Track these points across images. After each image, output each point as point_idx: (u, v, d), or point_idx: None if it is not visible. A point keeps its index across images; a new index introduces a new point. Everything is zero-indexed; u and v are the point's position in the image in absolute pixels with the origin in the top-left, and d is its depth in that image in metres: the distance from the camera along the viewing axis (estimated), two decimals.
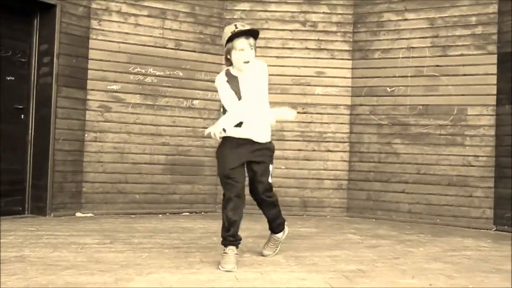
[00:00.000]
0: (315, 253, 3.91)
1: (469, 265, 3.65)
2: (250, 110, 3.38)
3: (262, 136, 3.47)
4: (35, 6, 5.57)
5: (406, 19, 6.29)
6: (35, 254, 3.56)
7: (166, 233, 4.67)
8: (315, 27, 6.60)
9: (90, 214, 5.78)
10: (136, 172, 6.09)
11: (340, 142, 6.52)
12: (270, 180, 3.54)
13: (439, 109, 6.05)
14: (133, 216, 5.86)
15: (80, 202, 5.79)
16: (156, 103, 6.20)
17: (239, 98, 3.38)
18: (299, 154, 6.51)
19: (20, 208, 5.53)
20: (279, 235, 3.74)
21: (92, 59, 5.86)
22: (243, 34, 3.33)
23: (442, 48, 6.09)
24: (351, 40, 6.57)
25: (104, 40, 5.92)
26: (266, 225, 3.77)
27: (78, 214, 5.72)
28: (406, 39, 6.26)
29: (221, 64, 6.48)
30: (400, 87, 6.26)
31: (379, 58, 6.39)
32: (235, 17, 6.59)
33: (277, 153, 6.75)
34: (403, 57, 6.26)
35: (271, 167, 3.53)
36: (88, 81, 5.84)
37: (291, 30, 6.59)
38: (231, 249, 3.35)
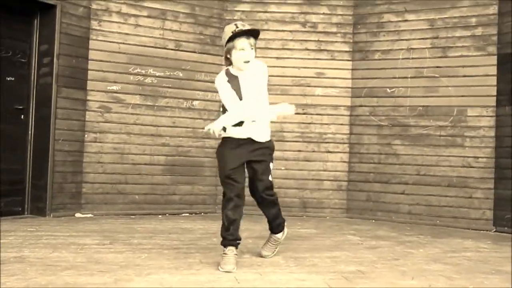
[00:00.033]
0: (314, 254, 3.91)
1: (469, 266, 3.65)
2: (250, 109, 3.38)
3: (262, 135, 3.47)
4: (35, 7, 5.57)
5: (406, 20, 6.29)
6: (34, 254, 3.56)
7: (165, 234, 4.66)
8: (315, 28, 6.60)
9: (90, 215, 5.78)
10: (136, 172, 6.09)
11: (340, 143, 6.52)
12: (270, 178, 3.54)
13: (439, 110, 6.05)
14: (132, 216, 5.86)
15: (79, 202, 5.79)
16: (156, 104, 6.20)
17: (240, 97, 3.38)
18: (299, 155, 6.51)
19: (20, 209, 5.53)
20: (279, 235, 3.74)
21: (92, 60, 5.86)
22: (244, 34, 3.32)
23: (442, 49, 6.09)
24: (351, 41, 6.57)
25: (104, 41, 5.92)
26: (266, 226, 3.76)
27: (78, 215, 5.72)
28: (406, 40, 6.27)
29: (221, 64, 6.48)
30: (400, 88, 6.26)
31: (379, 59, 6.39)
32: (235, 18, 6.58)
33: (277, 154, 6.74)
34: (403, 58, 6.27)
35: (271, 165, 3.54)
36: (88, 81, 5.84)
37: (291, 31, 6.59)
38: (230, 250, 3.35)
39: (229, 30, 3.34)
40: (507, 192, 5.53)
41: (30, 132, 5.62)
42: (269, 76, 3.53)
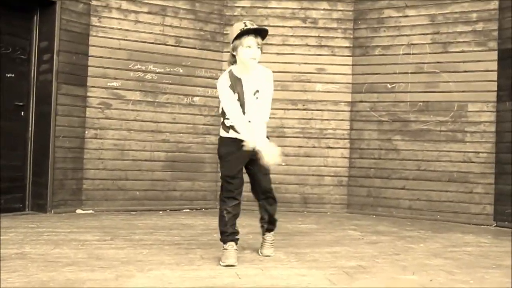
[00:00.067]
0: (315, 250, 3.91)
1: (470, 261, 3.65)
2: (252, 114, 3.39)
3: (260, 136, 3.49)
4: (35, 3, 5.56)
5: (406, 16, 6.28)
6: (35, 251, 3.56)
7: (166, 230, 4.67)
8: (316, 23, 6.59)
9: (91, 211, 5.78)
10: (137, 169, 6.10)
11: (341, 138, 6.52)
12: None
13: (440, 105, 6.04)
14: (133, 213, 5.86)
15: (80, 199, 5.80)
16: (156, 100, 6.20)
17: (242, 100, 3.37)
18: (300, 150, 6.51)
19: (21, 205, 5.54)
20: (273, 232, 3.73)
21: (92, 56, 5.86)
22: (252, 32, 3.33)
23: (442, 44, 6.08)
24: (351, 36, 6.56)
25: (104, 37, 5.92)
26: None
27: (79, 211, 5.73)
28: (407, 35, 6.25)
29: (221, 61, 6.49)
30: (401, 84, 6.25)
31: (380, 55, 6.38)
32: (235, 14, 6.58)
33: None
34: (403, 54, 6.26)
35: None
36: (88, 78, 5.84)
37: (291, 27, 6.58)
38: (230, 245, 3.36)
39: (237, 27, 3.34)
40: (508, 187, 5.53)
41: (30, 129, 5.61)
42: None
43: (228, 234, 3.38)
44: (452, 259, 3.70)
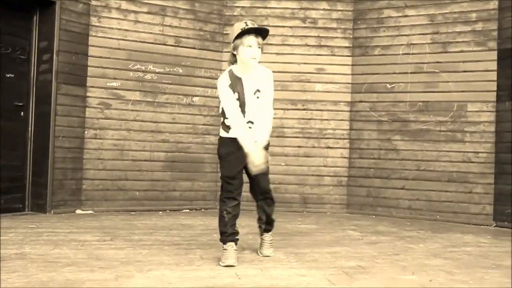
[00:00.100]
0: (315, 250, 3.91)
1: (469, 261, 3.66)
2: (253, 113, 3.39)
3: (262, 136, 3.49)
4: (35, 3, 5.56)
5: (406, 16, 6.28)
6: (35, 251, 3.56)
7: (166, 230, 4.67)
8: (315, 23, 6.59)
9: (90, 211, 5.78)
10: (136, 169, 6.10)
11: (340, 138, 6.53)
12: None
13: (439, 105, 6.04)
14: (133, 213, 5.86)
15: (80, 199, 5.80)
16: (156, 100, 6.20)
17: (242, 99, 3.38)
18: (299, 150, 6.51)
19: (20, 205, 5.54)
20: (270, 232, 3.73)
21: (92, 56, 5.86)
22: (253, 32, 3.33)
23: (442, 44, 6.08)
24: (351, 36, 6.56)
25: (103, 37, 5.91)
26: None
27: (78, 211, 5.73)
28: (406, 35, 6.26)
29: (221, 61, 6.49)
30: (400, 84, 6.25)
31: (379, 55, 6.38)
32: (235, 14, 6.58)
33: (277, 149, 6.76)
34: (403, 54, 6.26)
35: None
36: (88, 78, 5.84)
37: (291, 27, 6.58)
38: (230, 245, 3.36)
39: (238, 27, 3.34)
40: (507, 187, 5.53)
41: (30, 129, 5.61)
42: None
43: (228, 234, 3.38)
44: (451, 259, 3.70)
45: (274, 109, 3.66)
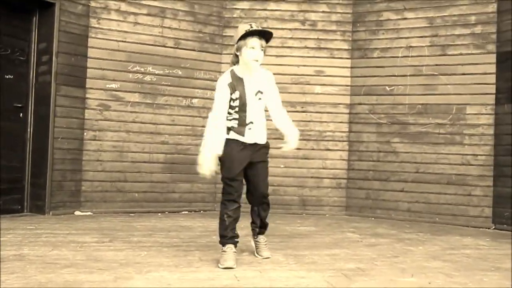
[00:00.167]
0: (314, 252, 3.91)
1: (468, 263, 3.66)
2: (254, 114, 3.40)
3: (263, 138, 3.52)
4: (34, 4, 5.56)
5: (405, 18, 6.29)
6: (34, 252, 3.56)
7: (165, 232, 4.66)
8: (315, 26, 6.60)
9: (89, 213, 5.78)
10: (135, 170, 6.09)
11: (339, 141, 6.53)
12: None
13: (438, 108, 6.05)
14: (132, 214, 5.86)
15: (79, 200, 5.79)
16: (155, 102, 6.20)
17: (244, 99, 3.38)
18: (298, 153, 6.51)
19: (19, 207, 5.53)
20: (265, 234, 3.74)
21: (91, 58, 5.86)
22: (257, 34, 3.35)
23: (441, 47, 6.09)
24: (350, 39, 6.57)
25: (103, 39, 5.92)
26: None
27: (77, 213, 5.72)
28: (405, 38, 6.27)
29: (220, 62, 6.50)
30: (399, 86, 6.26)
31: (378, 57, 6.39)
32: (234, 16, 6.59)
33: (276, 152, 6.75)
34: (402, 56, 6.27)
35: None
36: (87, 79, 5.84)
37: (290, 29, 6.59)
38: (229, 247, 3.36)
39: (242, 28, 3.36)
40: (506, 190, 5.53)
41: (29, 130, 5.61)
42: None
43: (228, 237, 3.38)
44: (450, 261, 3.70)
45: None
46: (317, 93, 6.54)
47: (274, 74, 3.62)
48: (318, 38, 6.58)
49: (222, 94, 3.39)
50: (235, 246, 3.40)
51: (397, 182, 6.23)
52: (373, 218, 6.24)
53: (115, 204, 5.97)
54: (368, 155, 6.41)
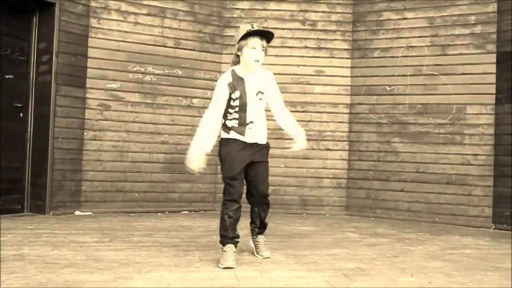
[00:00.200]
0: (314, 252, 3.91)
1: (468, 263, 3.66)
2: (254, 114, 3.40)
3: (263, 138, 3.52)
4: (34, 4, 5.56)
5: (405, 18, 6.29)
6: (34, 252, 3.56)
7: (165, 232, 4.67)
8: (315, 26, 6.60)
9: (89, 213, 5.78)
10: (136, 170, 6.09)
11: (339, 140, 6.53)
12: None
13: (438, 108, 6.05)
14: (132, 214, 5.86)
15: (79, 200, 5.79)
16: (156, 102, 6.20)
17: (244, 99, 3.39)
18: (298, 152, 6.47)
19: (19, 207, 5.53)
20: (264, 233, 3.74)
21: (91, 58, 5.86)
22: (258, 34, 3.35)
23: (441, 47, 6.09)
24: (350, 39, 6.57)
25: (103, 39, 5.92)
26: None
27: (77, 213, 5.72)
28: (406, 38, 6.27)
29: (220, 62, 6.50)
30: (399, 86, 6.26)
31: (379, 57, 6.39)
32: (234, 16, 6.59)
33: (276, 151, 6.76)
34: (402, 56, 6.27)
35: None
36: (87, 79, 5.84)
37: (290, 29, 6.59)
38: (229, 247, 3.36)
39: (244, 28, 3.37)
40: (506, 190, 5.53)
41: (29, 130, 5.61)
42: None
43: (228, 238, 3.38)
44: (450, 261, 3.70)
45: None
46: (317, 93, 6.54)
47: (274, 74, 3.62)
48: (318, 38, 6.58)
49: (220, 93, 3.40)
50: (236, 246, 3.40)
51: (397, 182, 6.23)
52: (373, 218, 6.24)
53: (115, 204, 5.97)
54: (368, 155, 6.41)
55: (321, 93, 6.54)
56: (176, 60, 6.30)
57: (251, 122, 3.42)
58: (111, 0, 5.98)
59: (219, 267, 3.25)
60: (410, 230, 5.29)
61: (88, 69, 5.84)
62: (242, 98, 3.39)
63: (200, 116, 6.41)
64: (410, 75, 6.21)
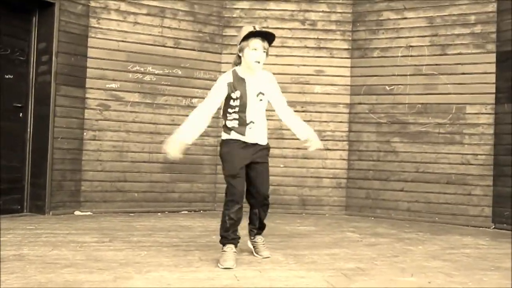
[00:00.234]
0: (314, 251, 3.91)
1: (468, 263, 3.66)
2: (255, 115, 3.40)
3: (264, 139, 3.52)
4: (34, 4, 5.56)
5: (405, 18, 6.29)
6: (34, 252, 3.56)
7: (165, 232, 4.66)
8: (315, 25, 6.60)
9: (89, 213, 5.78)
10: (135, 170, 6.09)
11: (339, 140, 6.53)
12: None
13: (438, 107, 6.05)
14: (132, 214, 5.86)
15: (79, 200, 5.79)
16: (155, 102, 6.20)
17: (244, 100, 3.39)
18: (298, 152, 6.51)
19: (19, 207, 5.53)
20: (262, 233, 3.74)
21: (91, 58, 5.86)
22: (259, 36, 3.35)
23: (441, 46, 6.09)
24: (350, 38, 6.57)
25: (103, 39, 5.92)
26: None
27: (77, 213, 5.72)
28: (405, 37, 6.26)
29: (220, 62, 6.50)
30: (399, 86, 6.26)
31: (378, 57, 6.39)
32: (234, 15, 6.59)
33: (276, 151, 6.75)
34: (402, 56, 6.27)
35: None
36: (87, 79, 5.84)
37: (290, 29, 6.59)
38: (229, 247, 3.36)
39: (246, 29, 3.38)
40: (506, 189, 5.53)
41: (29, 130, 5.61)
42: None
43: (228, 238, 3.39)
44: (450, 261, 3.70)
45: (273, 110, 3.68)
46: (317, 93, 6.53)
47: (274, 74, 3.63)
48: (318, 38, 6.58)
49: (217, 91, 3.41)
50: (236, 246, 3.40)
51: (397, 181, 6.23)
52: (373, 218, 6.24)
53: (114, 204, 5.97)
54: (368, 155, 6.40)
55: (321, 93, 6.54)
56: (175, 60, 6.30)
57: (252, 122, 3.42)
58: (111, 0, 5.98)
59: (218, 267, 3.25)
60: (410, 230, 5.29)
61: (87, 69, 5.84)
62: (242, 98, 3.39)
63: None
64: (410, 75, 6.21)
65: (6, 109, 5.38)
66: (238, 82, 3.40)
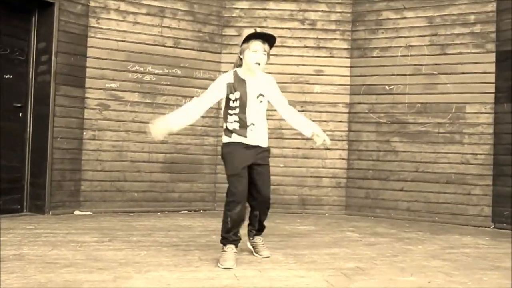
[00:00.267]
0: (313, 251, 3.91)
1: (468, 262, 3.66)
2: (255, 116, 3.40)
3: (265, 141, 3.52)
4: (33, 4, 5.56)
5: (404, 18, 6.29)
6: (33, 252, 3.56)
7: (164, 231, 4.66)
8: (314, 25, 6.60)
9: (89, 212, 5.78)
10: (135, 170, 6.09)
11: (339, 140, 6.53)
12: None
13: (438, 107, 6.05)
14: (131, 214, 5.86)
15: (78, 200, 5.79)
16: (155, 101, 6.20)
17: (244, 101, 3.39)
18: (298, 152, 6.51)
19: (19, 206, 5.53)
20: (262, 233, 3.75)
21: (91, 57, 5.85)
22: (260, 38, 3.36)
23: (440, 46, 6.09)
24: (349, 38, 6.57)
25: (102, 38, 5.91)
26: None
27: (77, 212, 5.72)
28: (405, 37, 6.27)
29: (220, 62, 6.49)
30: (399, 85, 6.26)
31: (378, 56, 6.39)
32: (233, 15, 6.59)
33: (275, 151, 6.75)
34: (401, 55, 6.27)
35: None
36: (86, 79, 5.84)
37: (289, 28, 6.59)
38: (230, 248, 3.36)
39: (247, 32, 3.39)
40: (506, 189, 5.54)
41: (28, 130, 5.61)
42: (268, 73, 3.60)
43: (229, 239, 3.39)
44: (450, 260, 3.70)
45: (273, 110, 3.69)
46: (317, 93, 6.54)
47: (273, 73, 3.65)
48: (317, 38, 6.58)
49: (215, 90, 3.43)
50: (236, 247, 3.40)
51: (396, 181, 6.23)
52: (372, 217, 6.24)
53: (114, 204, 5.97)
54: (368, 155, 6.41)
55: (320, 93, 6.54)
56: (175, 60, 6.30)
57: (252, 124, 3.42)
58: (110, 0, 5.97)
59: (218, 267, 3.25)
60: (409, 230, 5.30)
61: (87, 69, 5.84)
62: (242, 99, 3.39)
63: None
64: (409, 75, 6.21)
65: (6, 109, 5.38)
66: (239, 83, 3.41)
